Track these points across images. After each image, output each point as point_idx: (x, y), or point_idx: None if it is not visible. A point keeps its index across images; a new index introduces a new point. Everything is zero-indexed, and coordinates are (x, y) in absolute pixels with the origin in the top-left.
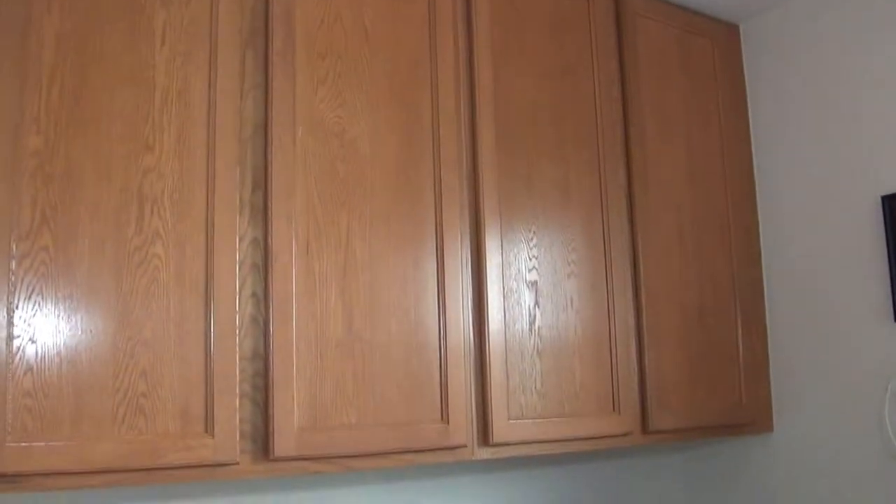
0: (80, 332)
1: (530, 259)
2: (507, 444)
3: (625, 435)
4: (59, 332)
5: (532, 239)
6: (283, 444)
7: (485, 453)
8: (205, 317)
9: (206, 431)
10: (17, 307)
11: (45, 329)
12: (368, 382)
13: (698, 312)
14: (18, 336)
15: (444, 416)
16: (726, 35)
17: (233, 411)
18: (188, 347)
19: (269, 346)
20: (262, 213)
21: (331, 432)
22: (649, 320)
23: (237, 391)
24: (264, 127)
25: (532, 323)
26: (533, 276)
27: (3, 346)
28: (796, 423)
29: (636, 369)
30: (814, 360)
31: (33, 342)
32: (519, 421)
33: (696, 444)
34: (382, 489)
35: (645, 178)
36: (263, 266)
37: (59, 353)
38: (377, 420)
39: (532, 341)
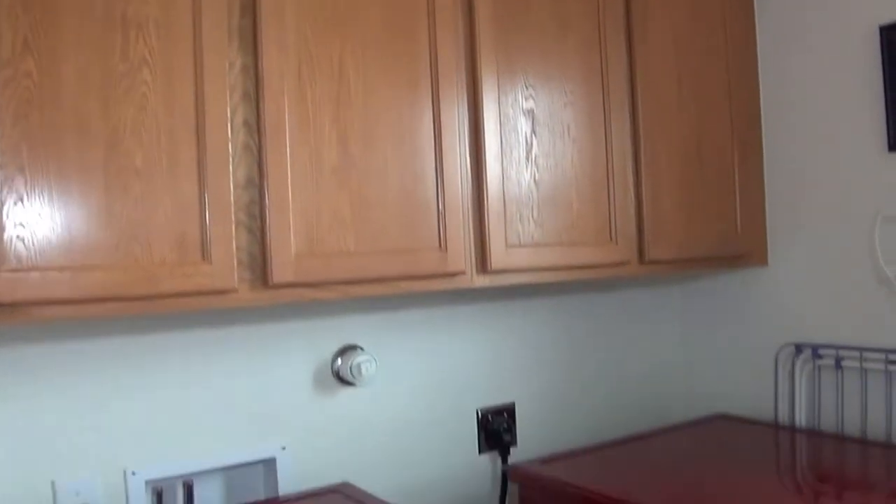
0: (69, 161)
1: (527, 87)
2: (505, 272)
3: (622, 264)
4: (48, 160)
5: (529, 68)
6: (281, 270)
7: (483, 281)
8: (197, 145)
9: (204, 259)
10: (2, 135)
11: (34, 158)
12: (365, 209)
13: (696, 144)
14: (5, 165)
15: (443, 244)
16: None
17: (229, 238)
18: (181, 176)
19: (264, 173)
20: (252, 39)
21: (328, 259)
22: (646, 151)
23: (233, 219)
24: None
25: (529, 151)
26: (529, 105)
27: None
28: (791, 255)
29: (633, 199)
30: (809, 191)
31: (21, 171)
32: (517, 248)
33: (692, 277)
34: (380, 318)
35: (644, 9)
36: (255, 93)
37: (49, 183)
38: (375, 247)
39: (529, 170)
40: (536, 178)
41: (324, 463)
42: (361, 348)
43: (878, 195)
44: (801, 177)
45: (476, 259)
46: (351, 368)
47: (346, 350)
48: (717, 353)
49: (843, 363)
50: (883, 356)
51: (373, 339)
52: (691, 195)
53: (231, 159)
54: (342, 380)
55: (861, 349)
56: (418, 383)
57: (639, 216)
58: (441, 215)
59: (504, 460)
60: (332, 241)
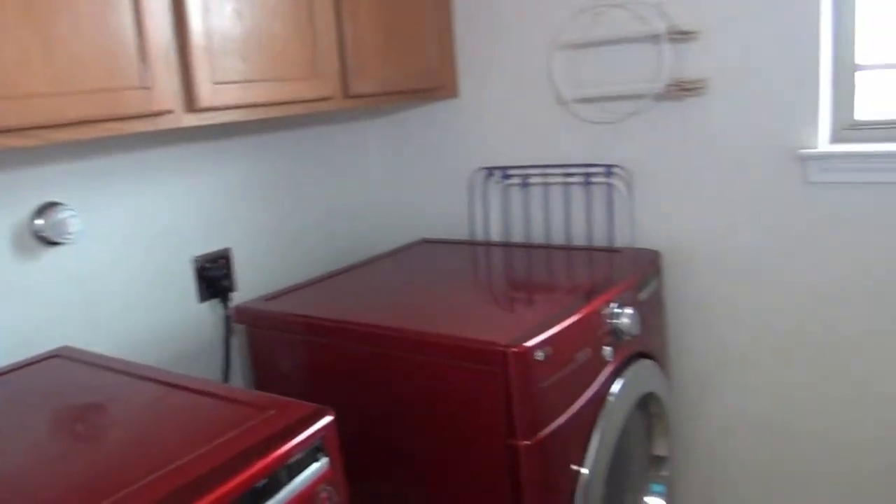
0: None
1: None
2: (215, 110)
3: (327, 99)
4: None
5: None
6: None
7: (192, 120)
8: None
9: None
10: None
11: None
12: (57, 45)
13: None
14: None
15: (146, 81)
16: None
17: None
18: None
19: None
20: None
21: (19, 102)
22: None
23: None
24: None
25: None
26: None
27: None
28: (479, 86)
29: (335, 35)
30: (494, 24)
31: None
32: (224, 85)
33: (392, 111)
34: (83, 168)
35: None
36: None
37: None
38: (72, 87)
39: (230, 2)
40: (239, 10)
41: (37, 330)
42: (64, 204)
43: (552, 26)
44: (486, 11)
45: (183, 97)
46: (54, 226)
47: (46, 207)
48: (417, 183)
49: (529, 181)
50: (561, 170)
51: (77, 192)
52: (389, 31)
53: None
54: (45, 240)
55: (544, 167)
56: (130, 235)
57: (341, 51)
58: (142, 51)
59: (225, 305)
60: (22, 81)
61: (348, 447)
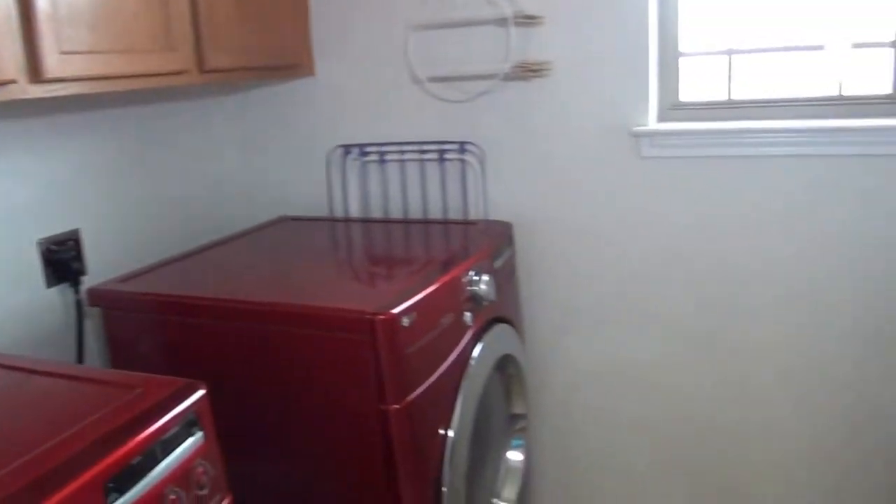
0: None
1: None
2: (61, 81)
3: (181, 73)
4: None
5: None
6: None
7: (37, 91)
8: None
9: None
10: None
11: None
12: None
13: None
14: None
15: None
16: None
17: None
18: None
19: None
20: None
21: None
22: None
23: None
24: None
25: None
26: None
27: None
28: (335, 65)
29: (189, 7)
30: (349, 5)
31: None
32: (71, 55)
33: (248, 87)
34: None
35: None
36: None
37: None
38: None
39: None
40: None
41: None
42: None
43: (408, 4)
44: None
45: (27, 67)
46: None
47: None
48: (275, 161)
49: (386, 158)
50: (417, 147)
51: None
52: (244, 5)
53: None
54: None
55: (400, 144)
56: None
57: (196, 23)
58: None
59: (76, 290)
60: None
61: (220, 426)
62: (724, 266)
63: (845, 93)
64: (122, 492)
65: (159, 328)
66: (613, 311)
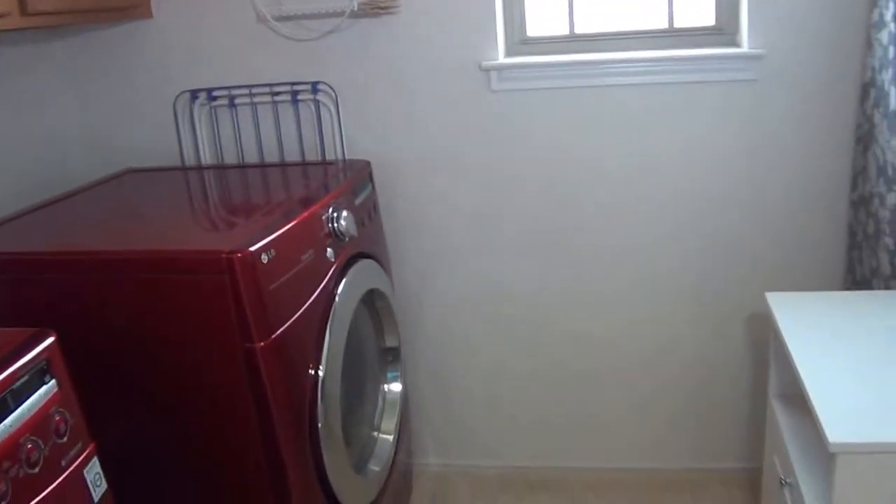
0: None
1: None
2: None
3: (2, 16)
4: None
5: None
6: None
7: None
8: None
9: None
10: None
11: None
12: None
13: None
14: None
15: None
16: None
17: None
18: None
19: None
20: None
21: None
22: None
23: None
24: None
25: None
26: None
27: None
28: (175, 6)
29: None
30: None
31: None
32: None
33: (78, 32)
34: None
35: None
36: None
37: None
38: None
39: None
40: None
41: None
42: None
43: None
44: None
45: None
46: None
47: None
48: (117, 110)
49: (237, 101)
50: (268, 89)
51: None
52: None
53: None
54: None
55: (250, 86)
56: None
57: None
58: None
59: None
60: None
61: (84, 383)
62: (573, 188)
63: (676, 25)
64: None
65: (3, 288)
66: (475, 238)
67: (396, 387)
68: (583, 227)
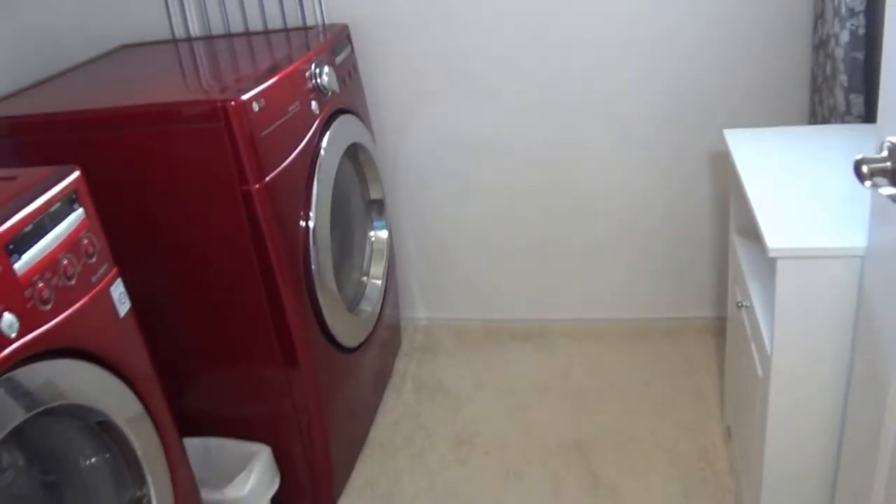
0: None
1: None
2: None
3: None
4: None
5: None
6: None
7: None
8: None
9: None
10: None
11: None
12: None
13: None
14: None
15: None
16: None
17: None
18: None
19: None
20: None
21: None
22: None
23: None
24: None
25: None
26: None
27: None
28: None
29: None
30: None
31: None
32: None
33: None
34: None
35: None
36: None
37: None
38: None
39: None
40: None
41: None
42: None
43: None
44: None
45: None
46: None
47: None
48: None
49: None
50: None
51: None
52: None
53: None
54: None
55: None
56: None
57: None
58: None
59: None
60: None
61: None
62: (541, 38)
63: None
64: (21, 253)
65: (25, 147)
66: (449, 90)
67: (383, 234)
68: (553, 76)
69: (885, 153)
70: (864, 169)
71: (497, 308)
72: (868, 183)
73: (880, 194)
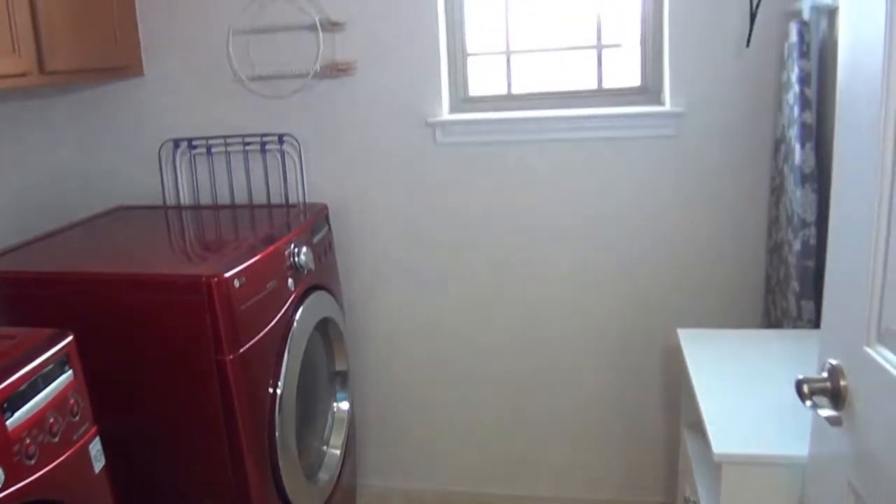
0: None
1: None
2: None
3: (24, 75)
4: None
5: None
6: None
7: None
8: None
9: None
10: None
11: None
12: None
13: None
14: None
15: None
16: None
17: None
18: None
19: None
20: None
21: None
22: None
23: None
24: None
25: None
26: None
27: None
28: (163, 66)
29: (29, 15)
30: (175, 7)
31: None
32: None
33: (83, 88)
34: None
35: None
36: None
37: None
38: None
39: None
40: None
41: None
42: None
43: (228, 10)
44: None
45: None
46: None
47: None
48: (111, 155)
49: (213, 150)
50: (241, 140)
51: None
52: (79, 10)
53: None
54: None
55: (225, 137)
56: None
57: (35, 27)
58: None
59: None
60: None
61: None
62: (509, 231)
63: (605, 86)
64: (14, 411)
65: (12, 303)
66: (417, 276)
67: (345, 405)
68: (518, 268)
69: (824, 374)
70: (805, 388)
71: (453, 479)
72: (808, 402)
73: (818, 415)
